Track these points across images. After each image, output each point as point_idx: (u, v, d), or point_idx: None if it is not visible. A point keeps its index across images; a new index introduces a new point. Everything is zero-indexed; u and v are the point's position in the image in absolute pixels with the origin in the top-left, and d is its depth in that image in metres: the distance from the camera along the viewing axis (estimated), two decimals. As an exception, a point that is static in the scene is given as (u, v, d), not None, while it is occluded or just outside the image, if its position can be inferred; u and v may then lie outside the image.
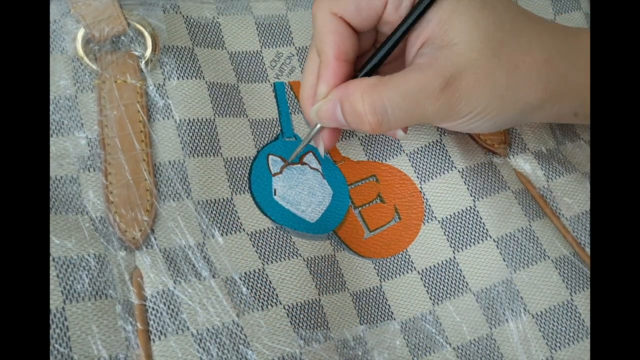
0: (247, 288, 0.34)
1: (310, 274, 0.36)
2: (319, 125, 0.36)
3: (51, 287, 0.31)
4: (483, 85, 0.32)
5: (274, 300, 0.34)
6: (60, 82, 0.36)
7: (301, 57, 0.42)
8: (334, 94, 0.34)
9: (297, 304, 0.35)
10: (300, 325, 0.34)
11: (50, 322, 0.30)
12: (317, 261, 0.37)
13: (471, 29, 0.32)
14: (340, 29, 0.34)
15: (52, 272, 0.31)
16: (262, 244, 0.36)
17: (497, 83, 0.32)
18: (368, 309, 0.37)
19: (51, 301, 0.30)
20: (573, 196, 0.39)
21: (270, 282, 0.35)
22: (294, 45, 0.42)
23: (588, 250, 0.37)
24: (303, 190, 0.38)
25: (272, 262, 0.35)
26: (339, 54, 0.34)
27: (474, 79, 0.32)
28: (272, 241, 0.36)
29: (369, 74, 0.35)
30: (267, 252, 0.36)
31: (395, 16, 0.34)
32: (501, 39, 0.32)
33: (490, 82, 0.32)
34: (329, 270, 0.37)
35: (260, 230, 0.36)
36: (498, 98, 0.33)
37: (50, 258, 0.31)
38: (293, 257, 0.36)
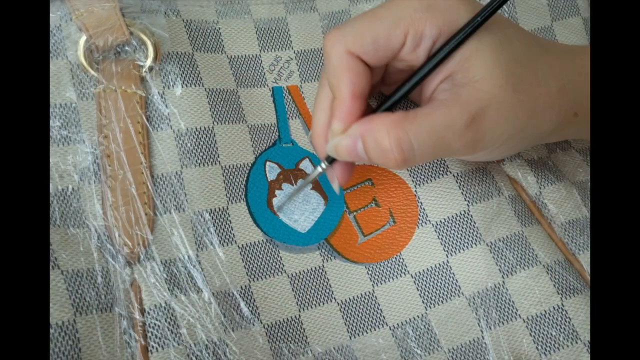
0: (244, 303, 0.35)
1: (293, 291, 0.37)
2: (319, 169, 0.36)
3: (62, 299, 0.31)
4: (505, 120, 0.32)
5: (257, 319, 0.35)
6: (62, 91, 0.36)
7: (299, 61, 0.42)
8: (355, 129, 0.33)
9: (276, 323, 0.36)
10: (281, 341, 0.35)
11: (63, 334, 0.31)
12: (302, 276, 0.37)
13: (492, 65, 0.32)
14: (357, 67, 0.33)
15: (62, 285, 0.32)
16: (250, 259, 0.37)
17: (518, 117, 0.33)
18: (358, 316, 0.37)
19: (63, 314, 0.31)
20: (560, 205, 0.39)
21: (255, 300, 0.35)
22: (292, 49, 0.42)
23: (578, 257, 0.38)
24: (297, 198, 0.39)
25: (257, 280, 0.36)
26: (355, 92, 0.33)
27: (497, 114, 0.32)
28: (260, 256, 0.37)
29: (388, 109, 0.34)
30: (254, 268, 0.36)
31: (411, 56, 0.34)
32: (520, 74, 0.33)
33: (512, 117, 0.33)
34: (314, 283, 0.37)
35: (250, 244, 0.37)
36: (519, 131, 0.33)
37: (59, 271, 0.32)
38: (277, 275, 0.37)
